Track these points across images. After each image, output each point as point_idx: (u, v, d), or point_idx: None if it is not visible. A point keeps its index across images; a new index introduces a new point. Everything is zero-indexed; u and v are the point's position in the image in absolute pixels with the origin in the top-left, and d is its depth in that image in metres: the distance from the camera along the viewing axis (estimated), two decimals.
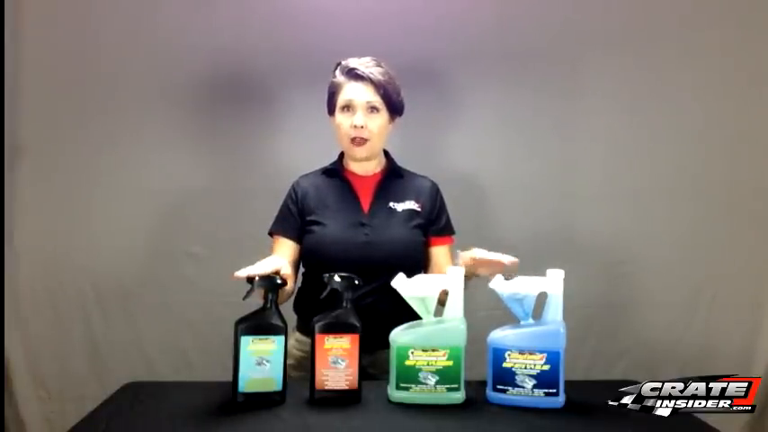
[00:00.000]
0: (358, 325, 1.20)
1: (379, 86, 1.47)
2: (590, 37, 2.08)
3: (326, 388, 1.19)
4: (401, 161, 1.63)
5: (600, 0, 2.07)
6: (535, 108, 2.09)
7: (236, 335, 1.17)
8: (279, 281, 1.23)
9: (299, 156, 1.71)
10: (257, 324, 1.18)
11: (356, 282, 1.24)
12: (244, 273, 1.20)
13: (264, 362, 1.17)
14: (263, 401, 1.18)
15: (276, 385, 1.19)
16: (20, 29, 1.99)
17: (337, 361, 1.19)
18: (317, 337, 1.19)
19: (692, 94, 2.08)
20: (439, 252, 1.55)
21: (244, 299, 1.21)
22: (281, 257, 1.44)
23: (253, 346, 1.17)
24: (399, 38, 2.00)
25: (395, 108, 1.52)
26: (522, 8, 2.06)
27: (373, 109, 1.48)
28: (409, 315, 1.25)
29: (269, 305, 1.20)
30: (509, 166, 2.11)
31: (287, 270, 1.30)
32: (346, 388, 1.20)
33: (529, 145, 2.11)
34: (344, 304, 1.23)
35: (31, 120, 2.03)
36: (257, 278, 1.20)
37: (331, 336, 1.19)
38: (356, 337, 1.20)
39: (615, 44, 2.08)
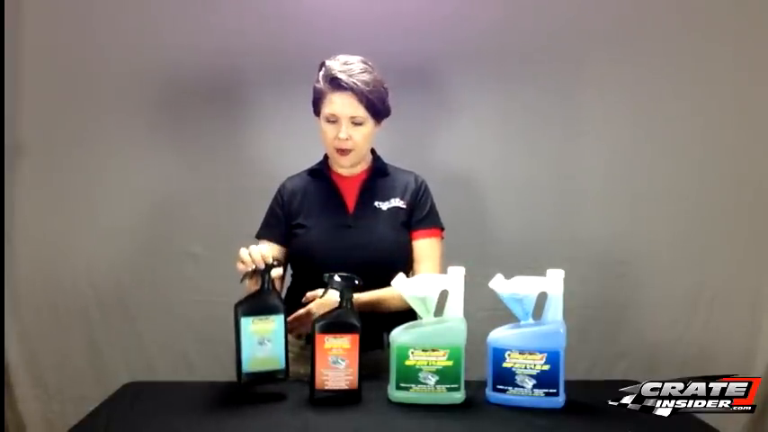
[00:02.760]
0: (358, 325, 1.21)
1: (361, 97, 1.42)
2: (590, 37, 2.08)
3: (326, 388, 1.20)
4: (400, 160, 1.62)
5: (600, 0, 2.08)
6: (535, 108, 2.09)
7: (237, 317, 1.19)
8: (275, 263, 1.24)
9: (299, 155, 1.70)
10: (256, 305, 1.20)
11: (356, 282, 1.24)
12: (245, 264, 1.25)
13: (266, 341, 1.20)
14: (268, 379, 1.20)
15: (279, 363, 1.20)
16: (20, 29, 1.99)
17: (337, 361, 1.19)
18: (317, 336, 1.19)
19: (692, 94, 2.08)
20: (419, 246, 1.51)
21: (241, 281, 1.24)
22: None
23: (254, 327, 1.19)
24: (398, 37, 2.00)
25: (380, 115, 1.49)
26: (521, 8, 2.06)
27: (357, 122, 1.45)
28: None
29: (266, 286, 1.22)
30: (509, 165, 2.11)
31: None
32: (346, 388, 1.20)
33: (529, 145, 2.11)
34: (344, 304, 1.23)
35: (31, 120, 2.03)
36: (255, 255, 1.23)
37: (331, 336, 1.19)
38: (356, 336, 1.20)
39: (615, 44, 2.08)
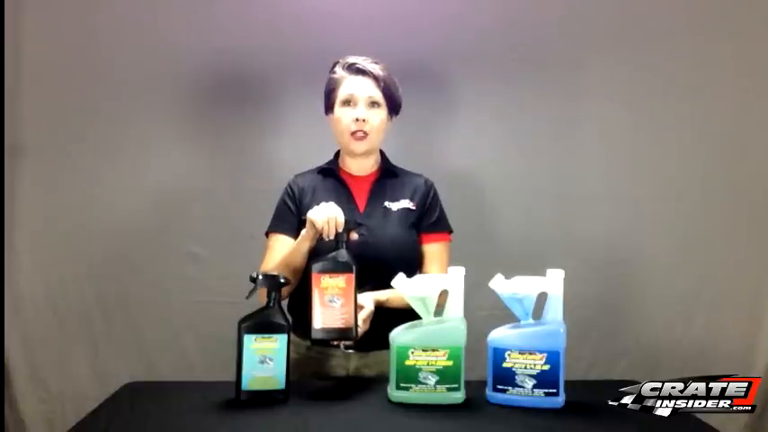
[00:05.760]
0: (353, 264, 1.23)
1: (380, 81, 1.48)
2: (590, 37, 2.08)
3: (323, 327, 1.21)
4: (401, 161, 1.63)
5: (599, 0, 2.08)
6: (535, 108, 2.09)
7: (240, 333, 1.18)
8: (282, 280, 1.24)
9: (300, 156, 1.71)
10: (260, 323, 1.20)
11: (351, 225, 1.31)
12: (321, 221, 1.29)
13: (267, 360, 1.19)
14: (267, 400, 1.19)
15: (279, 384, 1.20)
16: (20, 28, 1.99)
17: (333, 300, 1.21)
18: (314, 276, 1.22)
19: (691, 94, 2.07)
20: (430, 249, 1.53)
21: (247, 297, 1.22)
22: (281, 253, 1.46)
23: (256, 345, 1.18)
24: (399, 38, 1.99)
25: (394, 104, 1.53)
26: (521, 9, 2.06)
27: (374, 104, 1.48)
28: (404, 315, 1.26)
29: (272, 304, 1.22)
30: (509, 166, 2.11)
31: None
32: (342, 326, 1.22)
33: (528, 145, 2.11)
34: (340, 246, 1.27)
35: (31, 120, 2.02)
36: (260, 277, 1.22)
37: (327, 275, 1.22)
38: (351, 276, 1.23)
39: (615, 44, 2.07)
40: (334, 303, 1.21)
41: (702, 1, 2.07)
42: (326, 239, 1.30)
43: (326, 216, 1.29)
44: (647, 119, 2.09)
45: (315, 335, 1.22)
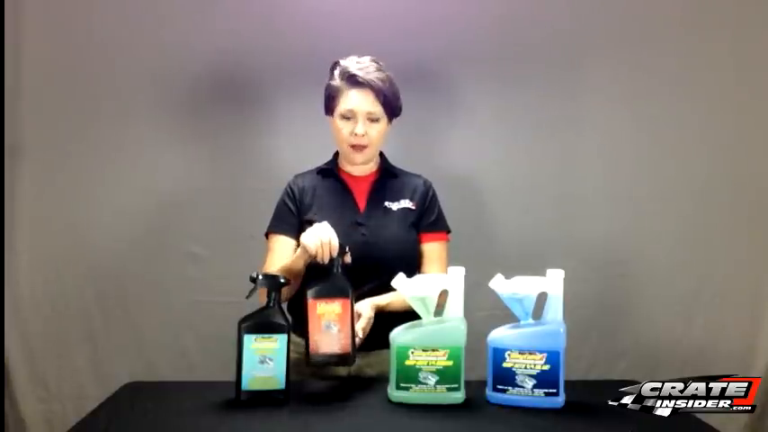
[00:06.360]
0: (349, 289, 1.23)
1: (379, 93, 1.46)
2: (590, 37, 2.08)
3: (320, 352, 1.21)
4: (400, 162, 1.63)
5: (600, 0, 2.08)
6: (534, 109, 2.09)
7: (240, 333, 1.18)
8: (282, 280, 1.24)
9: (299, 156, 1.71)
10: (260, 323, 1.20)
11: (346, 249, 1.28)
12: (314, 246, 1.28)
13: (267, 360, 1.19)
14: (267, 400, 1.19)
15: (279, 384, 1.20)
16: (20, 28, 1.99)
17: (330, 326, 1.21)
18: (310, 302, 1.22)
19: (691, 94, 2.07)
20: (429, 249, 1.54)
21: (247, 297, 1.22)
22: (283, 257, 1.45)
23: (256, 345, 1.19)
24: (398, 39, 1.99)
25: (394, 113, 1.52)
26: (521, 9, 2.06)
27: (373, 119, 1.48)
28: (405, 315, 1.26)
29: (272, 304, 1.22)
30: (508, 166, 2.11)
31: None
32: (339, 352, 1.22)
33: (528, 146, 2.11)
34: (335, 271, 1.26)
35: (31, 120, 2.02)
36: (260, 277, 1.22)
37: (323, 301, 1.21)
38: (347, 301, 1.22)
39: (615, 44, 2.07)
40: (331, 329, 1.21)
41: (703, 1, 2.07)
42: (321, 263, 1.29)
43: (320, 241, 1.28)
44: (647, 119, 2.09)
45: (313, 359, 1.22)
